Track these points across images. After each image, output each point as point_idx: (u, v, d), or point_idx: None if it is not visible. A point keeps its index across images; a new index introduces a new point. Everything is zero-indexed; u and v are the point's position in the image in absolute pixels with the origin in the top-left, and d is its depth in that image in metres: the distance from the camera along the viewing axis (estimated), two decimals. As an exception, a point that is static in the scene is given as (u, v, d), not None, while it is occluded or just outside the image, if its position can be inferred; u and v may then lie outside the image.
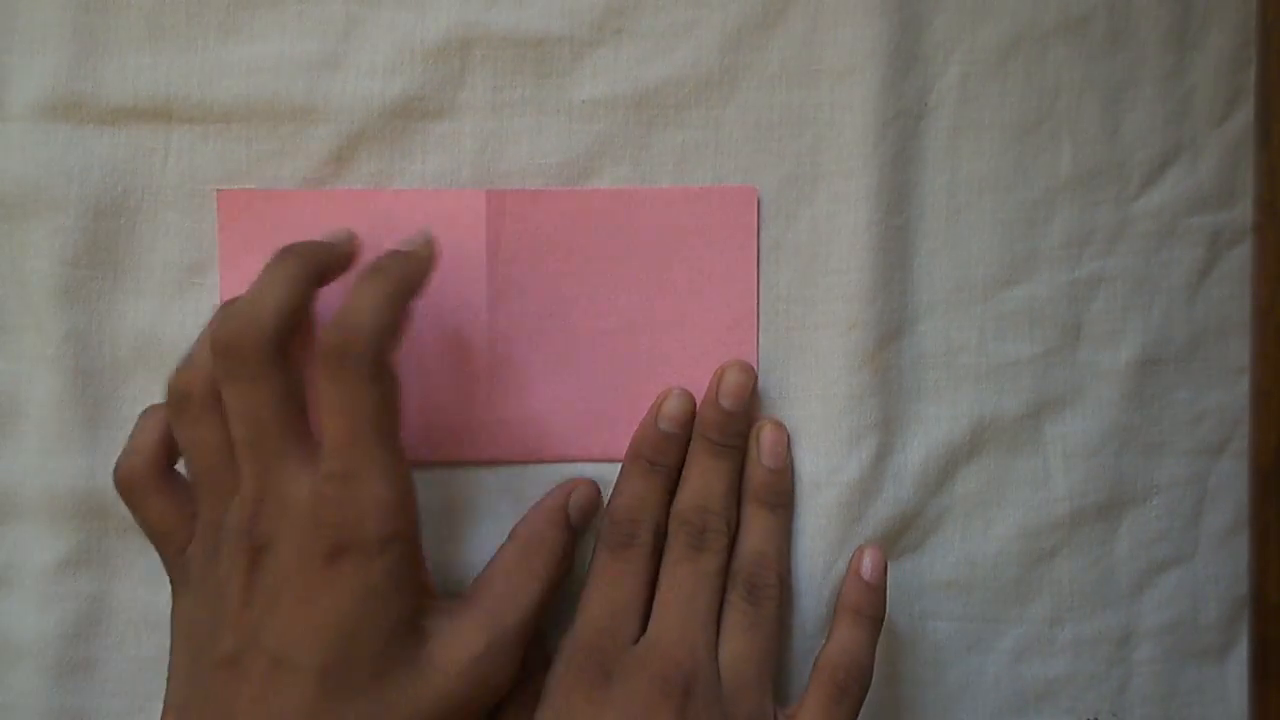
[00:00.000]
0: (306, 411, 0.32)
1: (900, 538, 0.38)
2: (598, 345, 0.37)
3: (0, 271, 0.37)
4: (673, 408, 0.36)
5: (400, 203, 0.37)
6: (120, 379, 0.37)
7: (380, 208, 0.37)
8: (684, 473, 0.36)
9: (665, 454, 0.36)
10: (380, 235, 0.36)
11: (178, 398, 0.32)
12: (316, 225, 0.36)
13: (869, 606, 0.35)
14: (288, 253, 0.32)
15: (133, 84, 0.37)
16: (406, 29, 0.37)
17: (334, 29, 0.37)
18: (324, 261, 0.33)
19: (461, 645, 0.31)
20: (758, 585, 0.35)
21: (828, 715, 0.33)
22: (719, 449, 0.36)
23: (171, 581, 0.33)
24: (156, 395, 0.37)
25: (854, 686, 0.34)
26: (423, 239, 0.34)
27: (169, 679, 0.32)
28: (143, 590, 0.37)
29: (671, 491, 0.36)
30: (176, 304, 0.37)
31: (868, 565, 0.36)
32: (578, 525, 0.36)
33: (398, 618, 0.30)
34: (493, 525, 0.37)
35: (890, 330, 0.37)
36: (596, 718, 0.32)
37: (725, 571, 0.35)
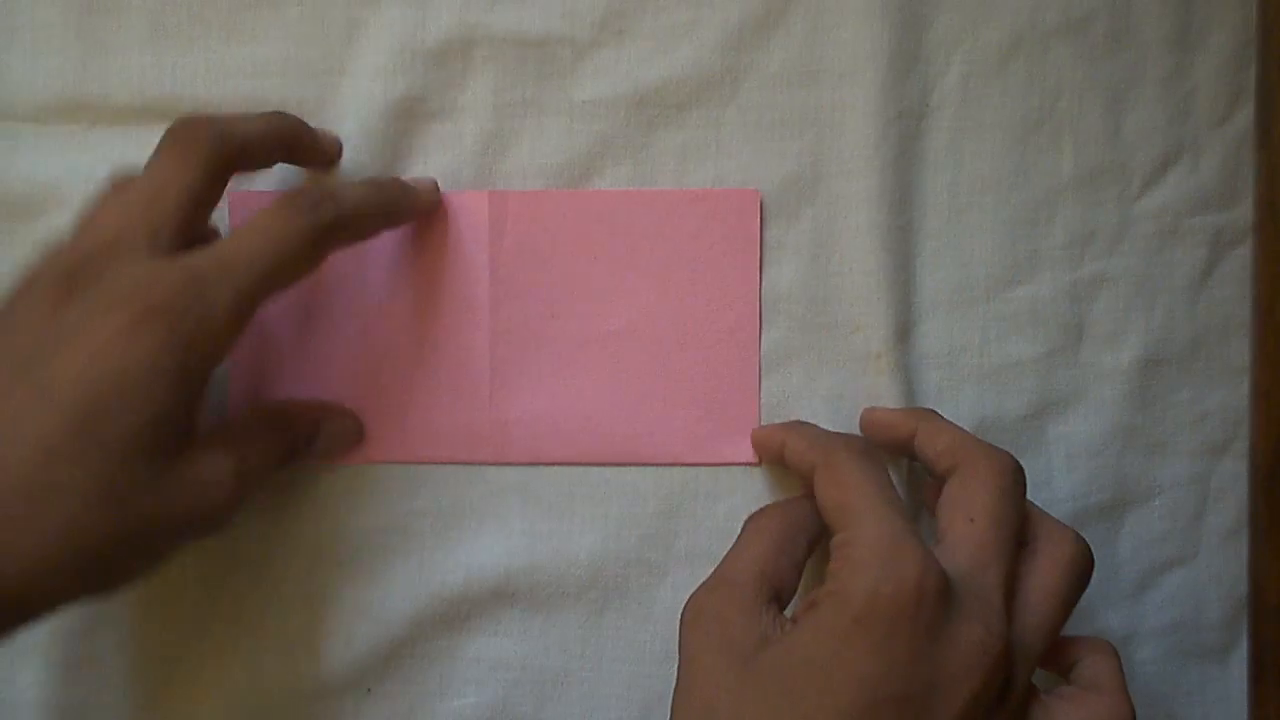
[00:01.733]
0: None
1: (902, 538, 0.38)
2: (600, 346, 0.37)
3: (9, 271, 0.37)
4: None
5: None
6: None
7: None
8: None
9: None
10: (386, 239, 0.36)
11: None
12: None
13: None
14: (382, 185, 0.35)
15: (137, 85, 0.37)
16: (408, 30, 0.37)
17: (336, 30, 0.37)
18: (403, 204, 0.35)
19: (213, 463, 0.30)
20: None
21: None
22: None
23: None
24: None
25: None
26: (429, 184, 0.36)
27: None
28: (144, 588, 0.37)
29: None
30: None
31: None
32: (319, 453, 0.36)
33: (173, 401, 0.29)
34: (496, 525, 0.37)
35: (894, 331, 0.37)
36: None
37: None
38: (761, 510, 0.34)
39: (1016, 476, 0.32)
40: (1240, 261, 0.39)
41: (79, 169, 0.37)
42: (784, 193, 0.37)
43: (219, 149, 0.31)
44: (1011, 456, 0.33)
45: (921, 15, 0.38)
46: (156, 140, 0.37)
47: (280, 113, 0.34)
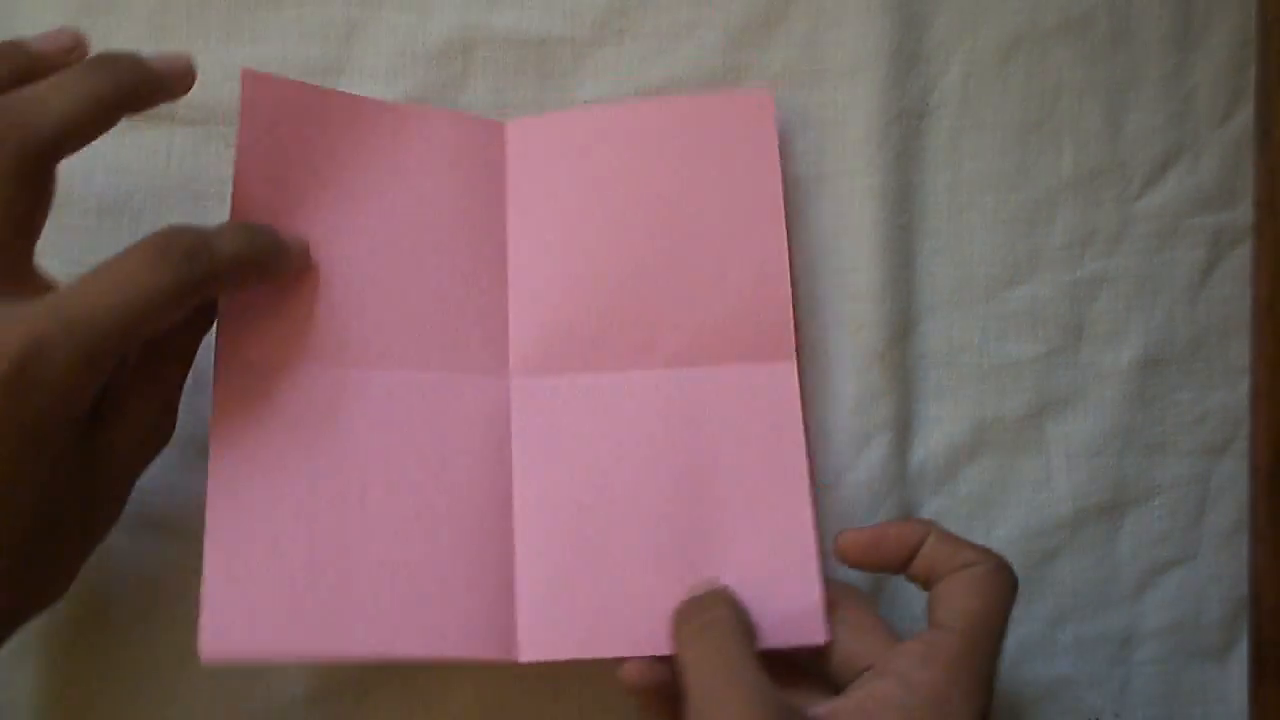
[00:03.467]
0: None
1: (902, 538, 0.38)
2: (619, 263, 0.36)
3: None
4: None
5: (425, 121, 0.36)
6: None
7: (402, 122, 0.35)
8: None
9: None
10: (395, 149, 0.35)
11: None
12: (339, 127, 0.35)
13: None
14: (103, 64, 0.29)
15: (135, 85, 0.37)
16: (408, 31, 0.37)
17: (335, 32, 0.37)
18: (140, 83, 0.30)
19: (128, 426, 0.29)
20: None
21: None
22: None
23: None
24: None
25: None
26: (302, 243, 0.33)
27: None
28: (144, 590, 0.37)
29: None
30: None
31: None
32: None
33: (43, 485, 0.27)
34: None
35: (896, 330, 0.37)
36: None
37: None
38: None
39: None
40: (1240, 261, 0.39)
41: (75, 169, 0.37)
42: (785, 192, 0.37)
43: (21, 148, 0.27)
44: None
45: (921, 15, 0.38)
46: (154, 140, 0.37)
47: (14, 41, 0.31)
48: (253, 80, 0.34)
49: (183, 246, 0.28)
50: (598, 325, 0.35)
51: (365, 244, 0.35)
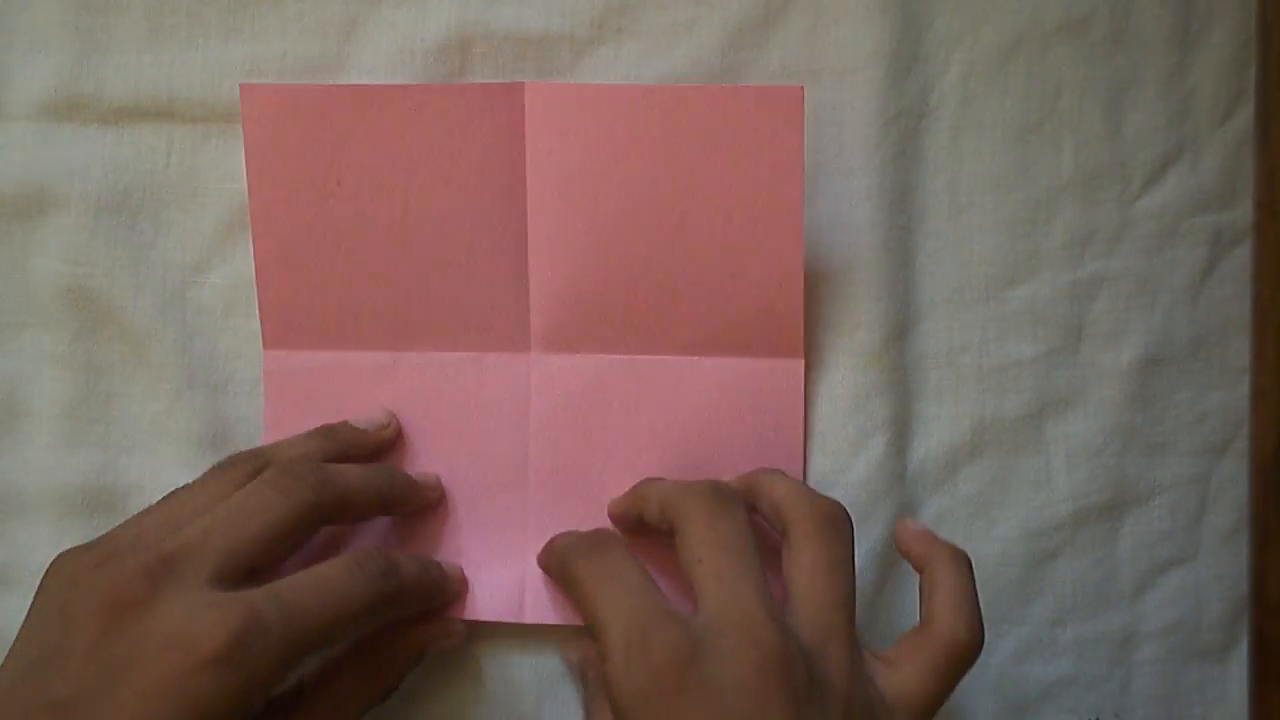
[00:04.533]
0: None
1: (902, 538, 0.38)
2: (637, 246, 0.36)
3: (4, 270, 0.37)
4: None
5: (435, 97, 0.35)
6: (124, 376, 0.37)
7: (412, 103, 0.35)
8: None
9: None
10: (406, 132, 0.35)
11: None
12: (345, 121, 0.35)
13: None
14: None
15: (134, 83, 0.37)
16: (407, 28, 0.37)
17: (334, 29, 0.37)
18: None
19: None
20: (836, 516, 0.32)
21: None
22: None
23: None
24: (159, 392, 0.37)
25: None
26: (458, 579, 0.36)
27: None
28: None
29: None
30: (178, 302, 0.37)
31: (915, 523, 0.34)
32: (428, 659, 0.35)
33: None
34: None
35: (894, 330, 0.37)
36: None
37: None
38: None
39: (720, 494, 0.32)
40: (1240, 261, 0.38)
41: (75, 168, 0.37)
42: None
43: (317, 497, 0.31)
44: (711, 483, 0.32)
45: (921, 15, 0.38)
46: (154, 139, 0.37)
47: (385, 468, 0.34)
48: (251, 93, 0.35)
49: (377, 566, 0.31)
50: (614, 308, 0.36)
51: (394, 228, 0.36)
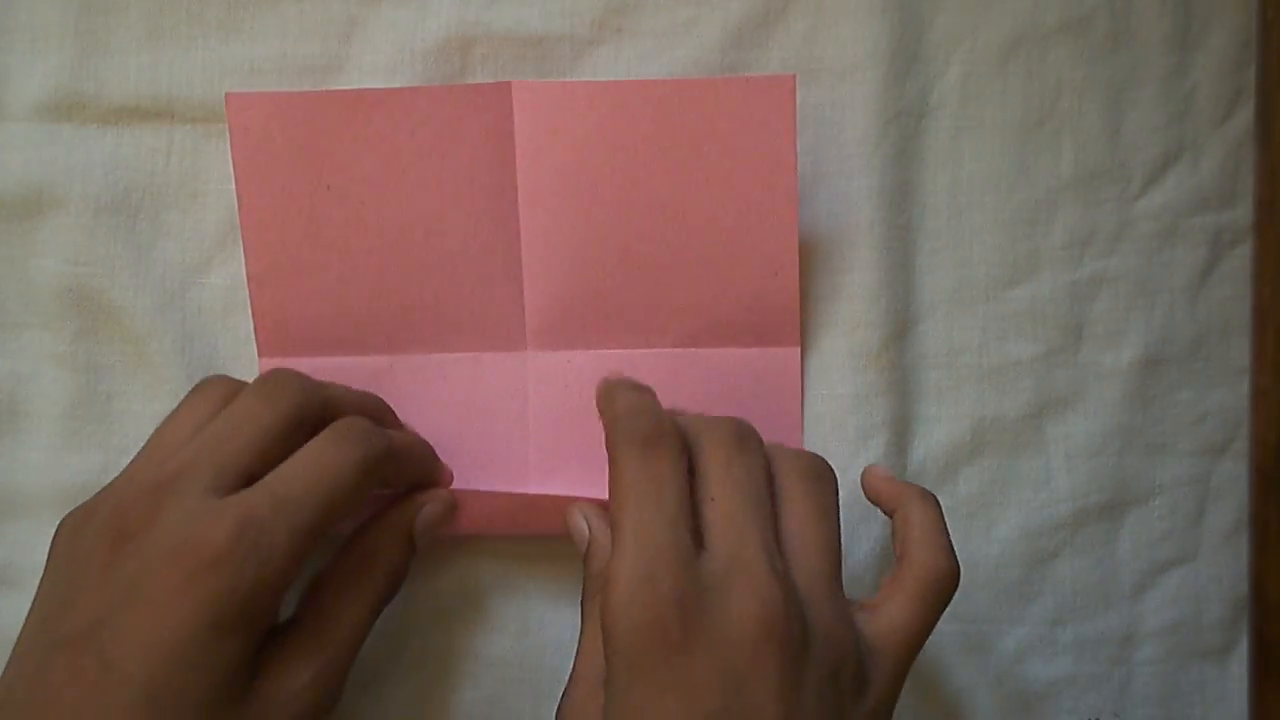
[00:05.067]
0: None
1: (902, 538, 0.38)
2: (630, 239, 0.36)
3: (3, 270, 0.37)
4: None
5: (424, 99, 0.35)
6: (124, 376, 0.37)
7: (401, 105, 0.35)
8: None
9: None
10: (400, 134, 0.35)
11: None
12: (334, 127, 0.35)
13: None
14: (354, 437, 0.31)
15: (134, 84, 0.37)
16: (407, 28, 0.37)
17: (335, 29, 0.37)
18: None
19: (289, 677, 0.30)
20: (821, 467, 0.32)
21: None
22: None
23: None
24: (160, 392, 0.37)
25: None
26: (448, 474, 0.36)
27: (12, 650, 0.30)
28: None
29: None
30: (178, 302, 0.37)
31: (883, 468, 0.34)
32: (421, 542, 0.34)
33: (240, 652, 0.28)
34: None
35: (894, 330, 0.37)
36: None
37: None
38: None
39: (742, 433, 0.31)
40: (1240, 261, 0.39)
41: (75, 168, 0.37)
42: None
43: (302, 399, 0.31)
44: (735, 421, 0.32)
45: (921, 15, 0.38)
46: (154, 139, 0.37)
47: (372, 394, 0.35)
48: (238, 102, 0.35)
49: (358, 428, 0.31)
50: (609, 303, 0.36)
51: (386, 232, 0.36)
